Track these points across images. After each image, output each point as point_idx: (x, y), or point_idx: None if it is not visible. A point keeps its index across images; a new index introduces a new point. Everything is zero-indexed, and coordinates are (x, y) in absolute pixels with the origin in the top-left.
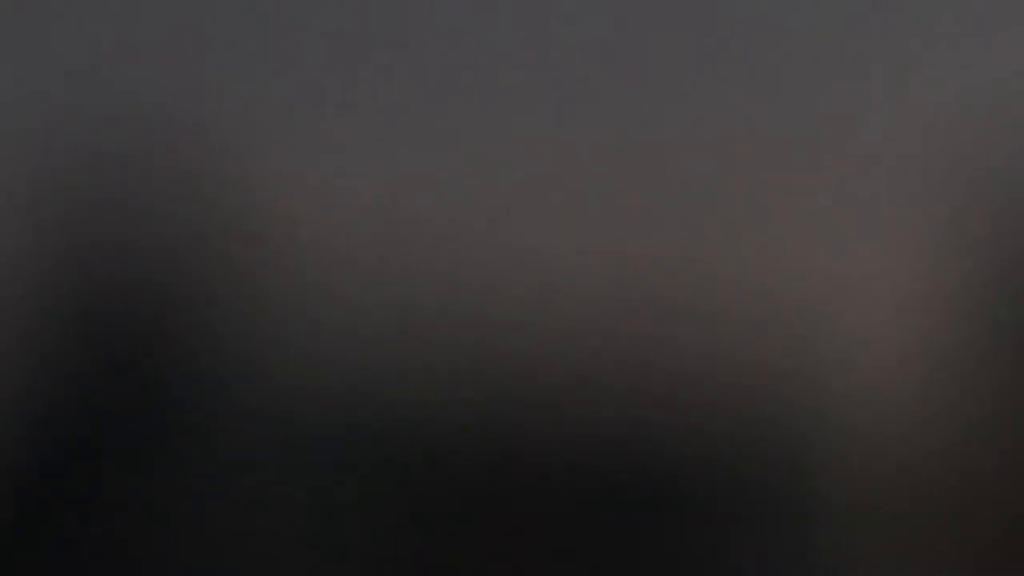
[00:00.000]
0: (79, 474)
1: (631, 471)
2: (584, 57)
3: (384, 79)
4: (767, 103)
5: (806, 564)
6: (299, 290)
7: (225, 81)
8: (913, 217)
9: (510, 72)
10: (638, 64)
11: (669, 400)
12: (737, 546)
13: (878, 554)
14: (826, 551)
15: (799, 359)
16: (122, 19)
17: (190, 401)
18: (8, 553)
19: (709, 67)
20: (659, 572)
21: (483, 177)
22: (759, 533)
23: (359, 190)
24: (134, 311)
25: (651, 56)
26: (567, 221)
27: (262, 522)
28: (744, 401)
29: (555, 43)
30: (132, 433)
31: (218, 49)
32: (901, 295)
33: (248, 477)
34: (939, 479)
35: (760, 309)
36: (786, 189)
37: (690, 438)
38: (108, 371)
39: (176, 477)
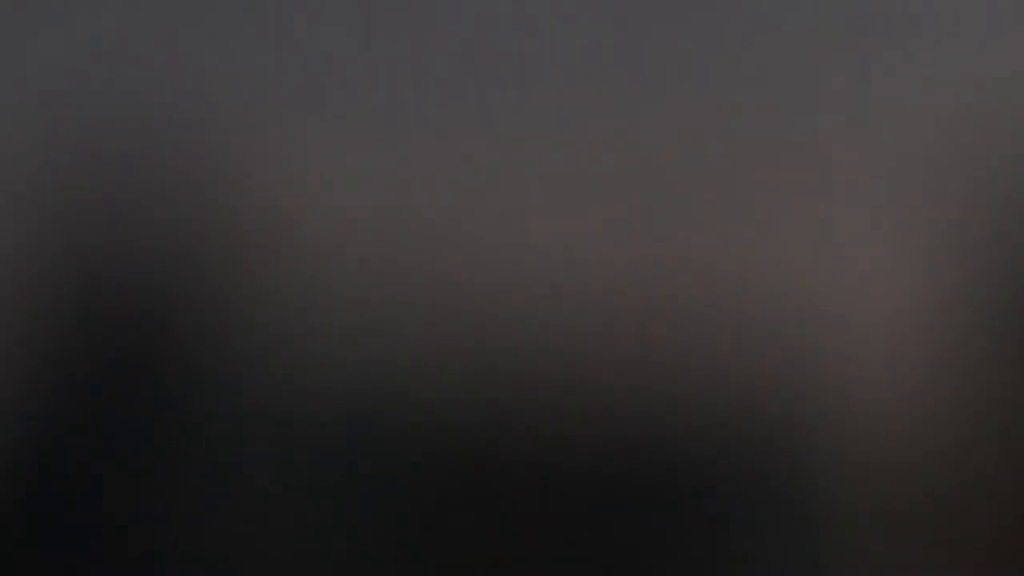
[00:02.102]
0: (79, 474)
1: (631, 471)
2: (584, 57)
3: (384, 79)
4: (767, 103)
5: (806, 564)
6: (299, 290)
7: (225, 81)
8: (913, 217)
9: (511, 72)
10: (638, 64)
11: (669, 400)
12: (737, 546)
13: (878, 554)
14: (826, 551)
15: (799, 359)
16: (122, 19)
17: (190, 401)
18: (8, 553)
19: (709, 67)
20: (659, 572)
21: (483, 177)
22: (759, 533)
23: (359, 190)
24: (134, 311)
25: (651, 56)
26: (567, 221)
27: (262, 522)
28: (744, 401)
29: (555, 43)
30: (132, 433)
31: (218, 49)
32: (901, 295)
33: (248, 477)
34: (939, 479)
35: (760, 309)
36: (786, 189)
37: (690, 438)
38: (108, 371)
39: (176, 477)
